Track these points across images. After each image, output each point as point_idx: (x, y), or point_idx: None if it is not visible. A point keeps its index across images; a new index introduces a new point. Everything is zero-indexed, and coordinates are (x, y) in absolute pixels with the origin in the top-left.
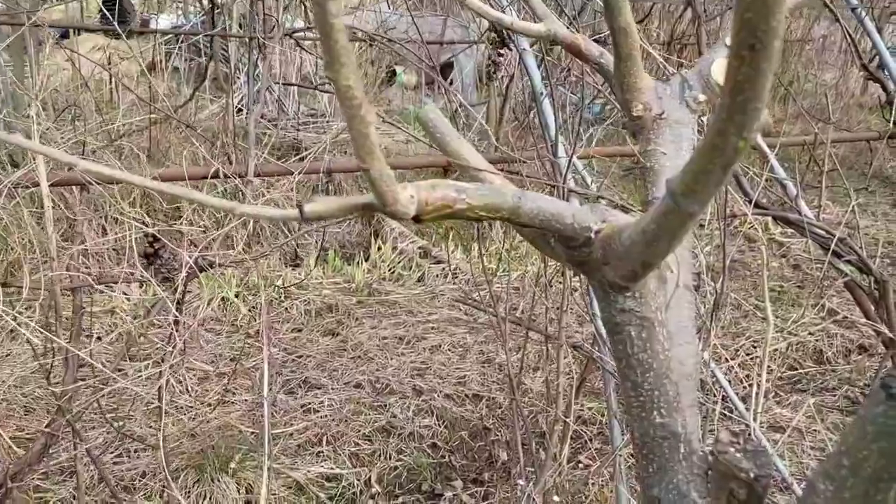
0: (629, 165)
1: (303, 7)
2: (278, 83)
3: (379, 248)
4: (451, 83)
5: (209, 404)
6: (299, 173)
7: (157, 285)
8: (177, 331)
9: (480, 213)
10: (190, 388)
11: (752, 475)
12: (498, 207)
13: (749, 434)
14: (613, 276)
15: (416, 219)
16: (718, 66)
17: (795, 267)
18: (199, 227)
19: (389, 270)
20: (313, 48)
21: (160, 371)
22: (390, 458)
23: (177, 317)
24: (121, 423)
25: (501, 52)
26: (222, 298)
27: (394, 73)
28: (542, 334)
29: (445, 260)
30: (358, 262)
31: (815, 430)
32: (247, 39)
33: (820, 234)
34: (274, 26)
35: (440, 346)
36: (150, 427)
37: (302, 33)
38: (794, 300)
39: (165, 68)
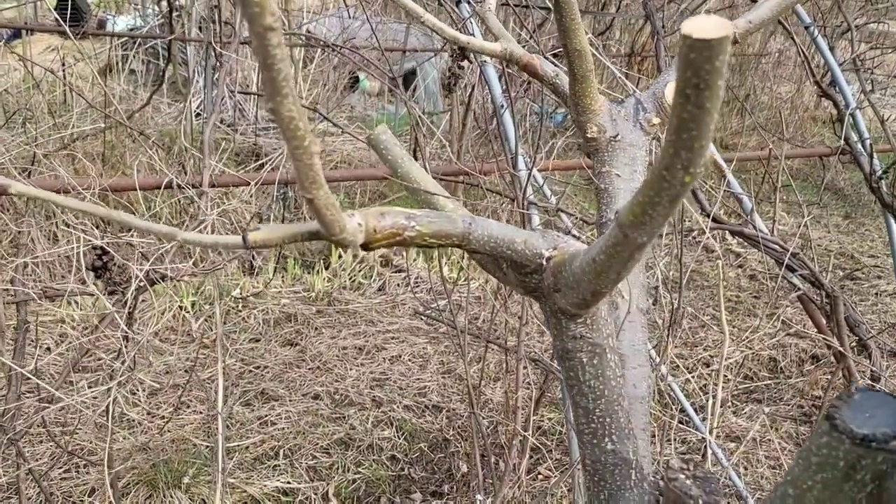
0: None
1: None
2: (233, 91)
3: (339, 257)
4: (414, 90)
5: (163, 417)
6: (256, 184)
7: (104, 298)
8: (125, 346)
9: (431, 241)
10: (143, 401)
11: (701, 502)
12: (448, 234)
13: (699, 461)
14: (564, 304)
15: (365, 247)
16: (671, 89)
17: (752, 277)
18: (151, 238)
19: (350, 279)
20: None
21: (108, 387)
22: (348, 470)
23: (126, 332)
24: (68, 439)
25: (462, 63)
26: (179, 307)
27: (357, 79)
28: (501, 347)
29: (406, 269)
30: (318, 271)
31: (769, 440)
32: (204, 44)
33: (774, 248)
34: (232, 33)
35: (400, 357)
36: (101, 441)
37: None
38: (750, 310)
39: (122, 70)
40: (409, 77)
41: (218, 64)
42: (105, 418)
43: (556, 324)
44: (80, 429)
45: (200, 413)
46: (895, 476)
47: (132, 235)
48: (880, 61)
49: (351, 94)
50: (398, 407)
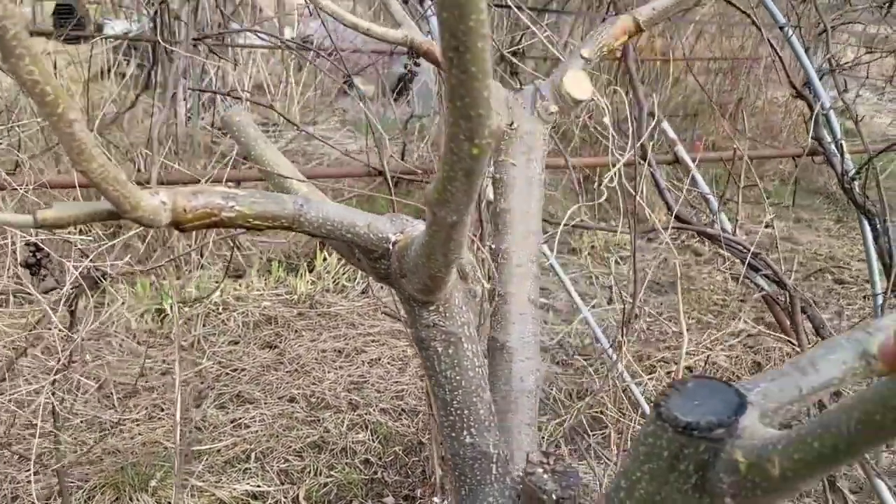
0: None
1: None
2: (195, 90)
3: (325, 259)
4: (407, 91)
5: (135, 420)
6: (206, 181)
7: (40, 297)
8: (61, 348)
9: (255, 223)
10: (116, 404)
11: (554, 497)
12: (276, 216)
13: (561, 455)
14: (411, 289)
15: (179, 228)
16: (571, 77)
17: (737, 280)
18: (91, 235)
19: (334, 282)
20: (227, 55)
21: (41, 386)
22: (320, 474)
23: (62, 330)
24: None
25: (417, 61)
26: (156, 310)
27: (351, 83)
28: None
29: None
30: (301, 273)
31: None
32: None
33: (737, 247)
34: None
35: (380, 359)
36: (71, 443)
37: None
38: (735, 313)
39: (114, 74)
40: (402, 79)
41: (168, 60)
42: (53, 419)
43: (409, 312)
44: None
45: (172, 417)
46: (717, 466)
47: (68, 232)
48: (878, 64)
49: (345, 97)
50: (374, 410)
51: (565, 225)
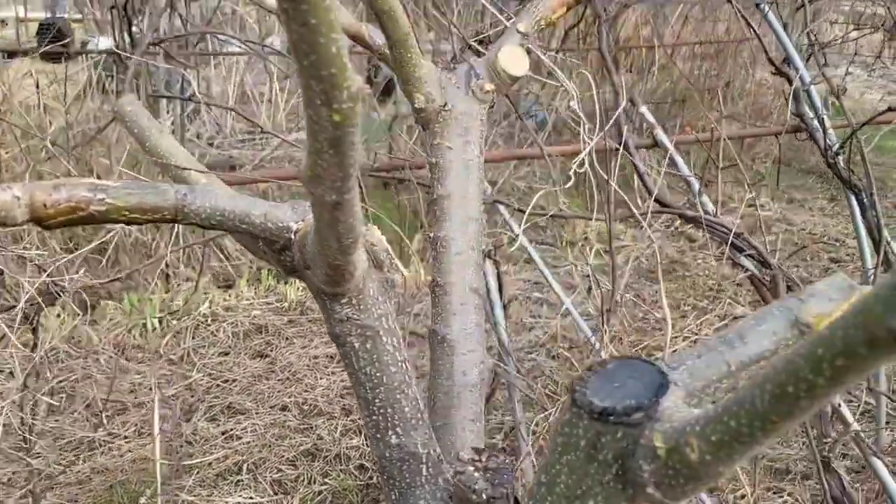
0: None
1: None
2: (152, 96)
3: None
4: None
5: (125, 437)
6: None
7: None
8: (18, 364)
9: (131, 216)
10: (105, 422)
11: (485, 496)
12: (156, 207)
13: (495, 452)
14: (318, 282)
15: (42, 224)
16: (505, 53)
17: (735, 265)
18: (47, 250)
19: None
20: (189, 60)
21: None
22: (314, 482)
23: (18, 348)
24: None
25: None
26: (143, 325)
27: None
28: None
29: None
30: (292, 281)
31: None
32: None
33: (718, 228)
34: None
35: None
36: (58, 464)
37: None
38: (733, 298)
39: (97, 90)
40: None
41: (124, 68)
42: (24, 440)
43: (322, 306)
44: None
45: (163, 431)
46: (637, 454)
47: (23, 247)
48: (868, 41)
49: None
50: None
51: (542, 215)
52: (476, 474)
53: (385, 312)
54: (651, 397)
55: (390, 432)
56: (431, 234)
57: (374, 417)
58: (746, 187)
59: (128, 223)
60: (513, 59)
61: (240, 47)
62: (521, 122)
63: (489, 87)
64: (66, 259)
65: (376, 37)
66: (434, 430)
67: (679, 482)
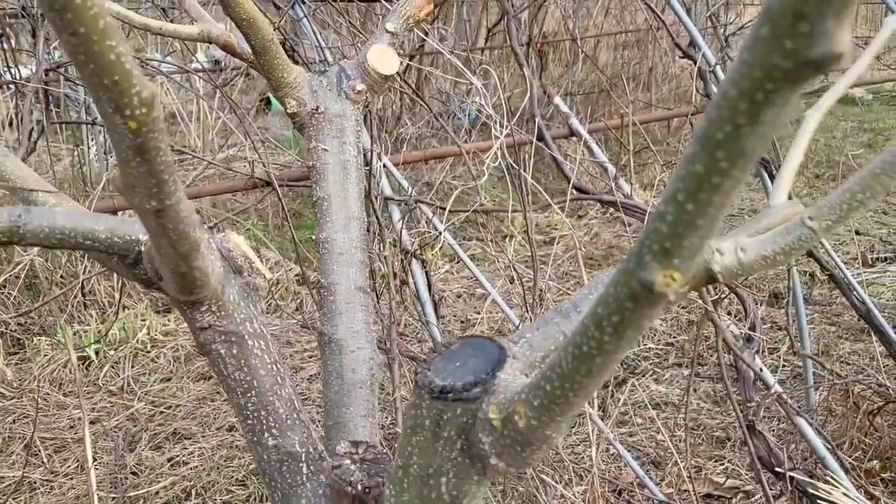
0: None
1: None
2: (55, 123)
3: (270, 269)
4: None
5: (66, 475)
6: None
7: None
8: None
9: None
10: (45, 461)
11: (360, 487)
12: None
13: (371, 444)
14: (172, 292)
15: None
16: (375, 52)
17: None
18: None
19: (267, 303)
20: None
21: None
22: (266, 499)
23: None
24: None
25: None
26: (80, 358)
27: (268, 100)
28: (380, 348)
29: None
30: None
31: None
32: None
33: (634, 210)
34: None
35: (318, 375)
36: None
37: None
38: None
39: (20, 121)
40: None
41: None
42: None
43: (184, 316)
44: None
45: (107, 464)
46: (476, 427)
47: None
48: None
49: (266, 115)
50: (318, 426)
51: (464, 211)
52: (353, 467)
53: (249, 316)
54: (488, 371)
55: (266, 434)
56: (314, 237)
57: (250, 422)
58: (659, 168)
59: None
60: (382, 58)
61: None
62: (437, 120)
63: (361, 87)
64: None
65: (245, 46)
66: (327, 430)
67: (516, 450)
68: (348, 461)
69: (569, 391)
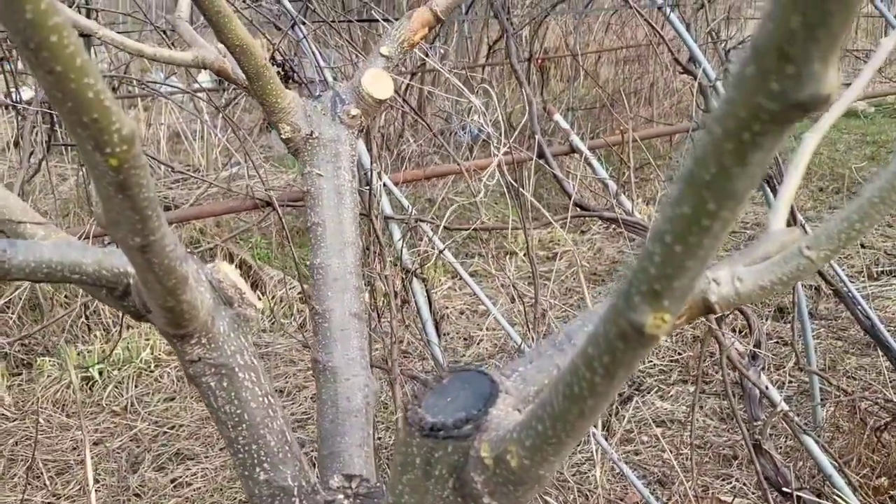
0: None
1: None
2: (63, 144)
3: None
4: None
5: (69, 497)
6: None
7: None
8: None
9: None
10: (48, 483)
11: None
12: None
13: (365, 477)
14: (160, 325)
15: None
16: (369, 77)
17: None
18: None
19: (270, 321)
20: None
21: None
22: None
23: None
24: None
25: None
26: (84, 378)
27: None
28: (381, 368)
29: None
30: None
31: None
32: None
33: (637, 227)
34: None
35: None
36: None
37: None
38: None
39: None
40: None
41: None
42: None
43: (174, 348)
44: None
45: (111, 486)
46: (468, 466)
47: None
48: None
49: (269, 134)
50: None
51: (465, 229)
52: (346, 502)
53: (239, 348)
54: (480, 408)
55: (258, 469)
56: (308, 262)
57: (241, 455)
58: (660, 184)
59: None
60: (377, 82)
61: (155, 90)
62: (437, 138)
63: (355, 111)
64: None
65: (239, 72)
66: (321, 459)
67: (509, 489)
68: (342, 496)
69: (561, 432)
